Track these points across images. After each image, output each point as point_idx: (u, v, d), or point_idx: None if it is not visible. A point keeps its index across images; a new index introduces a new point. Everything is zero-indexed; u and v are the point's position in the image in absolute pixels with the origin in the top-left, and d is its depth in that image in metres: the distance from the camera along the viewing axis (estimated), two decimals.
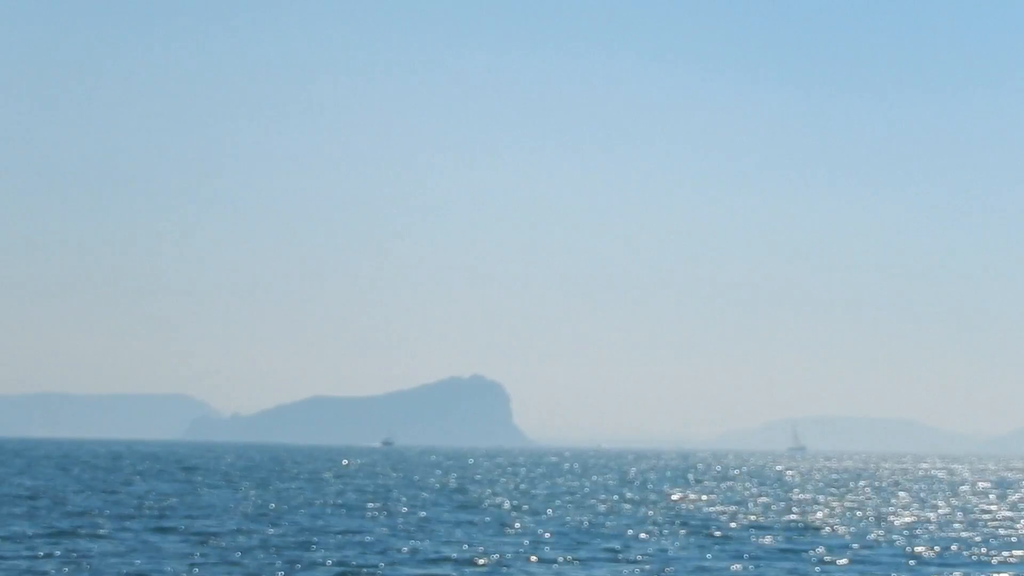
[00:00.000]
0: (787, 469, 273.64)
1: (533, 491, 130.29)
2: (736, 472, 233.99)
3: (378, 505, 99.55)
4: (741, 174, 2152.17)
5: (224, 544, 65.13)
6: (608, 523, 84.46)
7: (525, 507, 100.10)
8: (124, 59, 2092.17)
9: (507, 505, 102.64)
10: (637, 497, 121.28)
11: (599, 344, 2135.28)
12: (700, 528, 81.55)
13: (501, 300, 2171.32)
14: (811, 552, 67.88)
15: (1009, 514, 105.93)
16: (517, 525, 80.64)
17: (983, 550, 71.40)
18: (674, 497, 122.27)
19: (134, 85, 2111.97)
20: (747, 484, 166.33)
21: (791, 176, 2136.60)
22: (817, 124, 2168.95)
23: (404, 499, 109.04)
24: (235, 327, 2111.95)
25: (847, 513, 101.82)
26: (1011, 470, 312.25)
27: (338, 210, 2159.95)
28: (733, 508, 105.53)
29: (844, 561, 64.09)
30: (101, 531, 70.68)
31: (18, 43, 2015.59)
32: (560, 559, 61.96)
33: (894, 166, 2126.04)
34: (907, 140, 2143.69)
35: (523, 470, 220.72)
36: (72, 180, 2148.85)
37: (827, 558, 65.11)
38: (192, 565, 56.70)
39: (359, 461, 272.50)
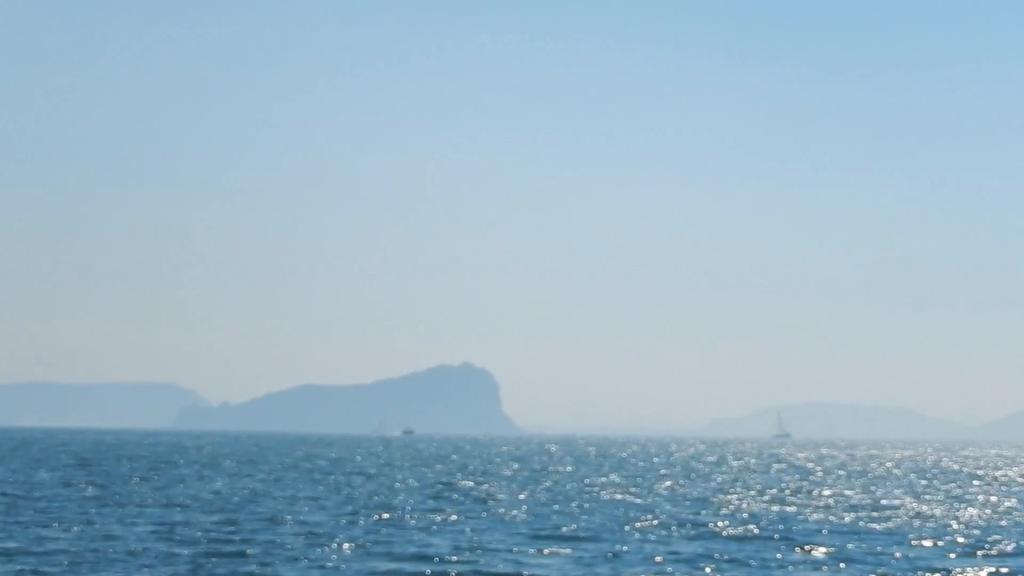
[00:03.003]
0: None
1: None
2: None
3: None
4: (726, 165, 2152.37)
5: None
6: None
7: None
8: (120, 51, 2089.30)
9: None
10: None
11: (587, 333, 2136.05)
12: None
13: (490, 288, 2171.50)
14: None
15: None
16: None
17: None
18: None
19: (129, 78, 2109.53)
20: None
21: (777, 165, 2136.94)
22: (804, 113, 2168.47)
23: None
24: (224, 316, 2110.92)
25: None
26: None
27: (327, 199, 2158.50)
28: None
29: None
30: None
31: (21, 37, 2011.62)
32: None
33: (882, 154, 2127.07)
34: (896, 128, 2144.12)
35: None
36: (61, 169, 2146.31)
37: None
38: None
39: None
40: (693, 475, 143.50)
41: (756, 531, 67.84)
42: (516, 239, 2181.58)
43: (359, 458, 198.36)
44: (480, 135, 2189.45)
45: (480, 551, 57.15)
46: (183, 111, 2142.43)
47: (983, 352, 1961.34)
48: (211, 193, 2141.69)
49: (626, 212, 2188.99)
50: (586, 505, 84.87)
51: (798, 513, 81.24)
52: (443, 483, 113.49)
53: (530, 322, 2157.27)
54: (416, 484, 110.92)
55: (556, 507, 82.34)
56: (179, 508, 77.51)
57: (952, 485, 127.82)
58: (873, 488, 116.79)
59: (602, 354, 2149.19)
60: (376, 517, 73.67)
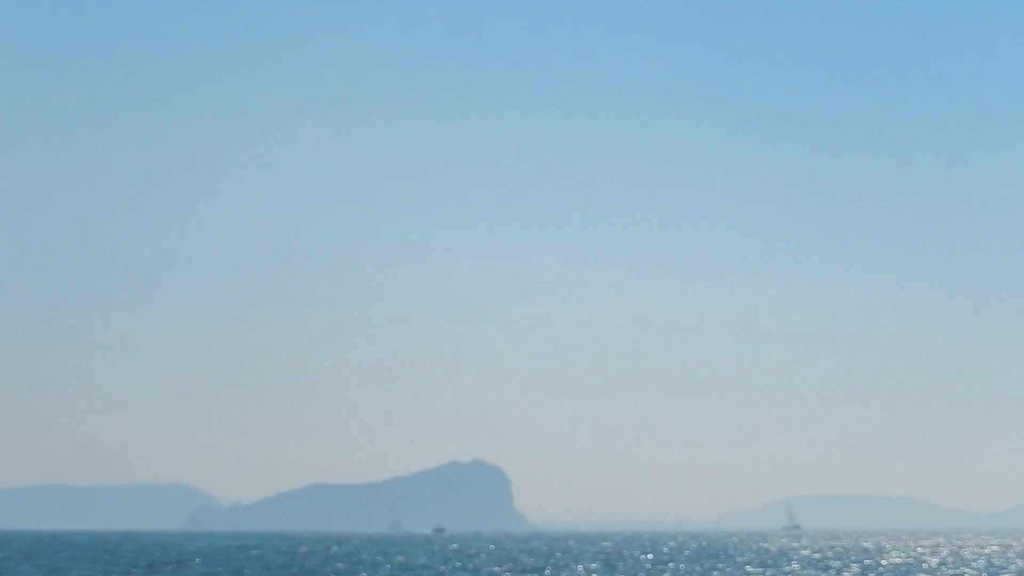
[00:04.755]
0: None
1: None
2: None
3: None
4: (731, 256, 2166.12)
5: None
6: None
7: None
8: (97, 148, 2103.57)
9: None
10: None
11: (598, 427, 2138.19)
12: None
13: (500, 384, 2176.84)
14: None
15: None
16: None
17: None
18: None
19: (117, 164, 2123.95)
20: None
21: (781, 257, 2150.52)
22: (812, 203, 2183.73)
23: None
24: (234, 416, 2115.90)
25: None
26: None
27: (333, 297, 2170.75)
28: None
29: None
30: None
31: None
32: None
33: (885, 245, 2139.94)
34: (899, 220, 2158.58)
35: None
36: (63, 265, 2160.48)
37: None
38: None
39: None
40: None
41: None
42: (525, 335, 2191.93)
43: None
44: (487, 232, 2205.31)
45: None
46: (184, 218, 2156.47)
47: (991, 442, 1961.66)
48: (216, 292, 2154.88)
49: (634, 309, 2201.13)
50: None
51: None
52: None
53: (540, 418, 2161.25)
54: None
55: None
56: None
57: None
58: None
59: (612, 448, 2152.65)
60: None
